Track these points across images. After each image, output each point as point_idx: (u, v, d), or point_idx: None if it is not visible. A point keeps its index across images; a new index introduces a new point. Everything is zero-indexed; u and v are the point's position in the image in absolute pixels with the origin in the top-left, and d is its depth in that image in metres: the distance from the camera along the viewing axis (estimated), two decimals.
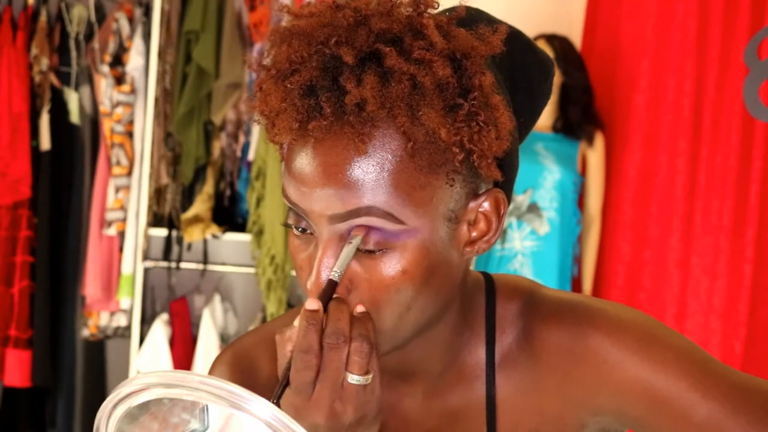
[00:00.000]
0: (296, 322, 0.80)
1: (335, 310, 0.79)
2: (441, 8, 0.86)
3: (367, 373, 0.80)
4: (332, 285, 0.80)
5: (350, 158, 0.78)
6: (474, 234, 0.85)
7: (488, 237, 0.86)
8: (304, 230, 0.84)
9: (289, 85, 0.80)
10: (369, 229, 0.80)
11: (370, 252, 0.80)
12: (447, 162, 0.80)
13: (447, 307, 0.88)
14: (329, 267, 0.81)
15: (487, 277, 0.96)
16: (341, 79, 0.78)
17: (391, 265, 0.81)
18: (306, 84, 0.79)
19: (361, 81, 0.78)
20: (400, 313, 0.83)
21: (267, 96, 0.82)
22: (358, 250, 0.81)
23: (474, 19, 0.88)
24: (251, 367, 0.96)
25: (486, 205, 0.85)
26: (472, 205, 0.84)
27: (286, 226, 0.85)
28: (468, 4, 0.88)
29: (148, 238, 3.87)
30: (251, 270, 3.87)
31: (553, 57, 3.34)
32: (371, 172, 0.78)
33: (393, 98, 0.78)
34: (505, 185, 0.88)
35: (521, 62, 0.91)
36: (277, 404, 0.79)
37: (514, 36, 0.91)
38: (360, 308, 0.81)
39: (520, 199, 3.39)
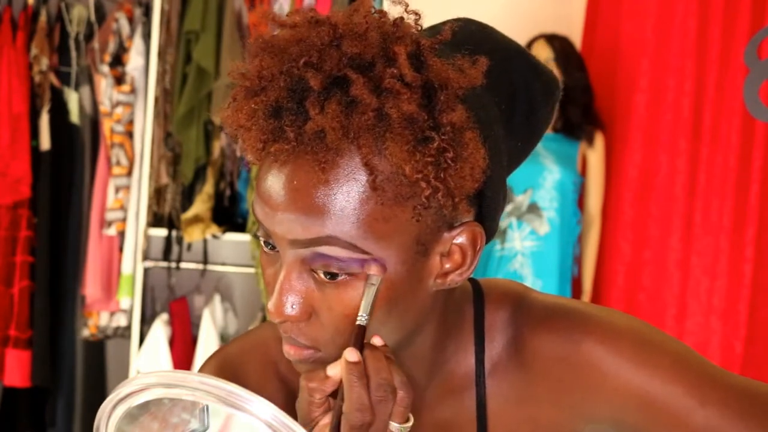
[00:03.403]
0: (330, 371, 0.78)
1: (374, 360, 0.78)
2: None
3: (407, 420, 0.79)
4: (362, 330, 0.78)
5: (312, 185, 0.76)
6: (447, 266, 0.82)
7: (462, 270, 0.83)
8: (272, 247, 0.82)
9: (254, 105, 0.78)
10: (332, 259, 0.78)
11: (333, 278, 0.79)
12: (414, 196, 0.77)
13: (416, 332, 0.86)
14: (291, 290, 0.79)
15: (475, 285, 0.94)
16: (306, 103, 0.76)
17: (353, 295, 0.79)
18: (272, 104, 0.78)
19: (324, 109, 0.75)
20: None
21: (236, 111, 0.80)
22: (320, 275, 0.79)
23: (472, 34, 0.86)
24: (238, 374, 0.95)
25: (461, 239, 0.82)
26: (446, 236, 0.81)
27: (255, 237, 0.84)
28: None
29: (148, 238, 3.87)
30: (251, 270, 3.87)
31: (553, 57, 3.36)
32: (334, 201, 0.76)
33: (356, 129, 0.75)
34: (487, 218, 0.85)
35: (523, 84, 0.88)
36: None
37: (519, 55, 0.89)
38: (378, 341, 0.80)
39: (520, 199, 3.39)
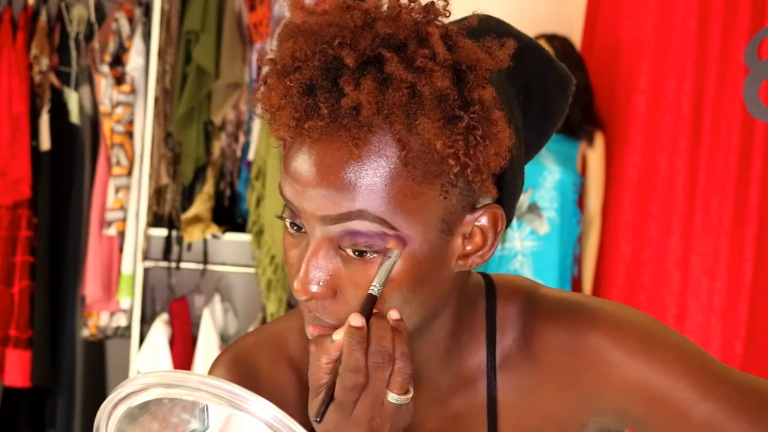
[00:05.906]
0: (336, 336, 0.79)
1: (378, 328, 0.79)
2: (456, 14, 0.86)
3: (407, 392, 0.80)
4: (372, 300, 0.80)
5: (344, 161, 0.78)
6: (468, 247, 0.85)
7: (483, 252, 0.85)
8: (298, 228, 0.83)
9: (289, 83, 0.80)
10: (361, 235, 0.79)
11: (360, 255, 0.80)
12: (442, 173, 0.79)
13: (435, 316, 0.87)
14: (318, 268, 0.80)
15: (487, 279, 0.96)
16: (341, 81, 0.78)
17: None
18: (306, 83, 0.79)
19: (359, 85, 0.77)
20: None
21: (269, 91, 0.82)
22: (347, 252, 0.80)
23: (491, 27, 0.87)
24: (251, 368, 0.96)
25: (483, 220, 0.84)
26: (468, 218, 0.84)
27: (281, 218, 0.84)
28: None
29: (148, 238, 3.87)
30: (251, 270, 3.87)
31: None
32: (365, 177, 0.78)
33: (390, 105, 0.77)
34: (507, 202, 0.87)
35: (538, 77, 0.90)
36: (320, 422, 0.79)
37: (533, 49, 0.91)
38: (394, 314, 0.81)
39: (520, 199, 3.39)
